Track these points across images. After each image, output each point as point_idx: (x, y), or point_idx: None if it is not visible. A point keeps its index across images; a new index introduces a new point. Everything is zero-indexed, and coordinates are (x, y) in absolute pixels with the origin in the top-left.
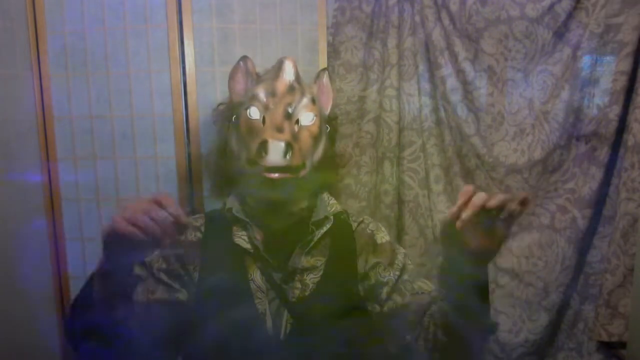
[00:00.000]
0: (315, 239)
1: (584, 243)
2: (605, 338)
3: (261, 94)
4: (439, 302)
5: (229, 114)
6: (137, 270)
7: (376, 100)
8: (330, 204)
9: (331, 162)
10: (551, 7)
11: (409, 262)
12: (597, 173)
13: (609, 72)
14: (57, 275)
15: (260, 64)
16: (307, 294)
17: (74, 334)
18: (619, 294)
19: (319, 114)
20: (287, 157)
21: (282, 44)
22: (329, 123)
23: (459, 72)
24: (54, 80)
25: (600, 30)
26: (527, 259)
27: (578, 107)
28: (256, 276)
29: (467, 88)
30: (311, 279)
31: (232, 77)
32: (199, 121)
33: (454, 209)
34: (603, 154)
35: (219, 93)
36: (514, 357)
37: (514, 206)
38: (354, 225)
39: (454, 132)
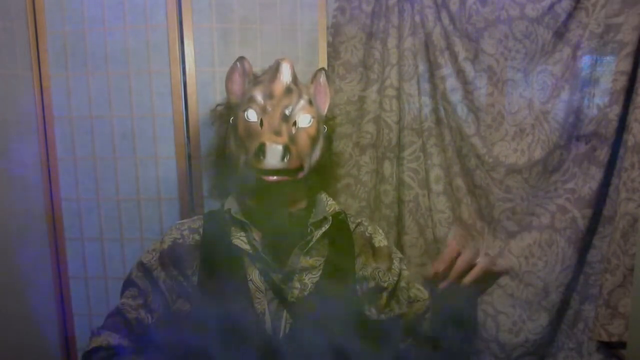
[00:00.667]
0: (314, 239)
1: (584, 243)
2: (605, 338)
3: (258, 96)
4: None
5: (227, 115)
6: (138, 277)
7: (376, 100)
8: (328, 205)
9: (329, 162)
10: (551, 7)
11: (404, 267)
12: (597, 173)
13: (609, 72)
14: (57, 275)
15: (260, 64)
16: (306, 294)
17: None
18: (619, 294)
19: (317, 115)
20: (285, 160)
21: (282, 44)
22: (327, 123)
23: (459, 72)
24: (54, 80)
25: (600, 30)
26: (527, 259)
27: (578, 107)
28: (255, 277)
29: (467, 88)
30: (310, 279)
31: (229, 78)
32: (199, 121)
33: (436, 267)
34: (603, 154)
35: (219, 93)
36: (514, 357)
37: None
38: (352, 226)
39: (454, 132)
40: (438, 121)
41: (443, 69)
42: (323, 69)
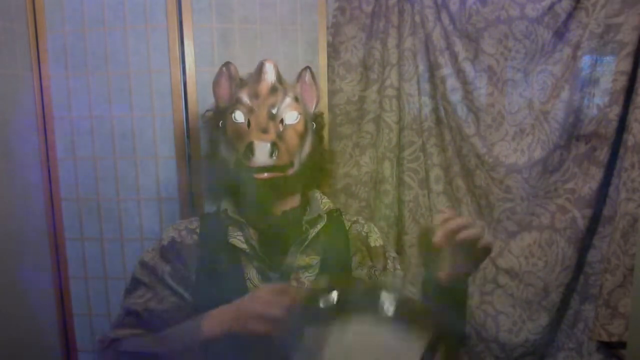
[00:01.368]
0: (310, 237)
1: (584, 243)
2: (605, 338)
3: (244, 97)
4: None
5: (216, 120)
6: (143, 275)
7: (376, 100)
8: (323, 202)
9: (321, 158)
10: (551, 7)
11: (398, 267)
12: (597, 173)
13: (609, 72)
14: (57, 275)
15: None
16: None
17: None
18: (619, 294)
19: (303, 112)
20: (274, 156)
21: (282, 44)
22: (315, 120)
23: (459, 72)
24: (54, 80)
25: (600, 30)
26: (527, 259)
27: (578, 107)
28: (253, 275)
29: (467, 88)
30: (307, 277)
31: (216, 83)
32: (199, 121)
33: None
34: (603, 154)
35: None
36: (514, 357)
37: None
38: (348, 224)
39: (454, 132)
40: (438, 121)
41: (443, 69)
42: (308, 67)
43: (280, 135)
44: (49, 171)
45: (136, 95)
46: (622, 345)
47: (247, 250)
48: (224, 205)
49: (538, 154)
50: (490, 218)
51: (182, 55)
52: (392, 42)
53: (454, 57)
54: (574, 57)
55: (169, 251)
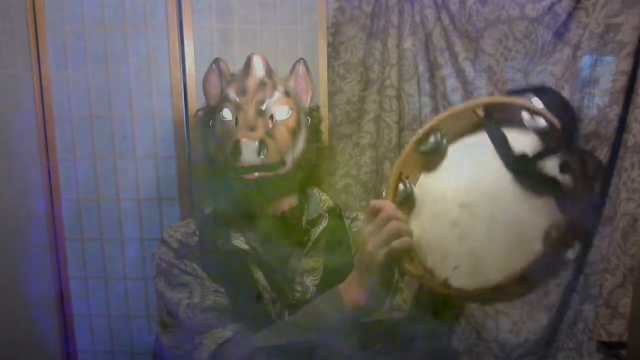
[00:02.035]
0: (312, 239)
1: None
2: (605, 338)
3: (232, 94)
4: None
5: (207, 119)
6: (177, 277)
7: (376, 100)
8: (322, 200)
9: (317, 155)
10: (551, 7)
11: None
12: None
13: (609, 72)
14: (57, 275)
15: None
16: (307, 296)
17: None
18: (619, 294)
19: (296, 107)
20: (262, 155)
21: (282, 44)
22: (310, 114)
23: (459, 72)
24: (54, 80)
25: (600, 30)
26: None
27: (578, 107)
28: (260, 277)
29: (467, 88)
30: (311, 281)
31: (206, 81)
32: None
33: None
34: (603, 154)
35: None
36: (514, 357)
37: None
38: (348, 222)
39: None
40: None
41: (443, 69)
42: (302, 59)
43: (269, 132)
44: (49, 171)
45: (136, 95)
46: (622, 345)
47: (250, 252)
48: (220, 207)
49: None
50: None
51: (182, 55)
52: (392, 42)
53: (454, 57)
54: (574, 57)
55: (182, 249)
